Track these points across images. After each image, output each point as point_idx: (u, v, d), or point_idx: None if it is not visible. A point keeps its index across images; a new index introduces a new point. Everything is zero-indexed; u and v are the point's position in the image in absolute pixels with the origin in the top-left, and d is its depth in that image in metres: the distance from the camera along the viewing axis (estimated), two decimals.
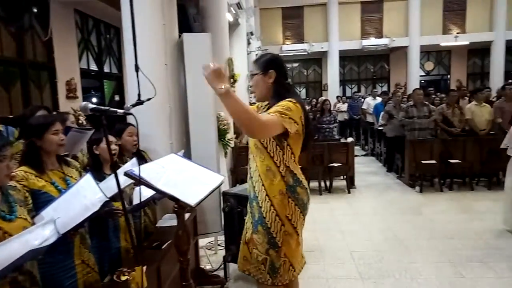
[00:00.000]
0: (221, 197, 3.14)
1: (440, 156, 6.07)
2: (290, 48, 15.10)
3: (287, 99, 1.86)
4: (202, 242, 3.86)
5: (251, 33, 11.14)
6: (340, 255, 3.73)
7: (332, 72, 15.19)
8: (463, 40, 14.38)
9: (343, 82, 16.82)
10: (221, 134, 3.81)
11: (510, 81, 12.45)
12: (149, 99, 2.30)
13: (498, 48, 14.27)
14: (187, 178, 1.86)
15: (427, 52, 16.19)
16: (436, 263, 3.43)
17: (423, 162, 6.03)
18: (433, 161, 6.02)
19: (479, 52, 15.88)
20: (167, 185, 1.68)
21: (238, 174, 5.76)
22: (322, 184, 6.36)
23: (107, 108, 1.45)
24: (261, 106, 2.09)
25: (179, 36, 3.40)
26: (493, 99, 7.55)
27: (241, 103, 1.66)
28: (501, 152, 4.30)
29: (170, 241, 2.22)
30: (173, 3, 3.35)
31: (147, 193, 2.00)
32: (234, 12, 7.63)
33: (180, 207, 1.76)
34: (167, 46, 3.07)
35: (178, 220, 1.82)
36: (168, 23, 3.12)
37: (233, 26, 8.61)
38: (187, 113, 3.29)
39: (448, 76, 16.63)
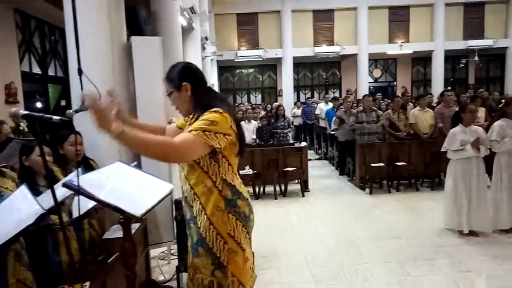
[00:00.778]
0: (173, 206, 3.05)
1: (387, 159, 6.37)
2: (245, 54, 15.21)
3: (213, 110, 1.71)
4: (155, 252, 3.73)
5: (206, 38, 11.08)
6: (295, 259, 3.77)
7: (287, 78, 15.49)
8: (407, 49, 15.27)
9: (297, 88, 17.20)
10: None
11: (449, 88, 13.44)
12: None
13: (438, 57, 15.32)
14: (133, 188, 1.77)
15: (375, 60, 17.00)
16: (385, 262, 3.57)
17: (372, 165, 6.29)
18: (382, 164, 6.30)
19: (422, 61, 16.96)
20: (110, 195, 1.58)
21: None
22: (277, 188, 6.42)
23: (41, 114, 1.34)
24: (189, 119, 1.89)
25: (128, 39, 3.28)
26: (435, 105, 8.06)
27: (141, 137, 1.50)
28: (442, 155, 4.58)
29: (116, 254, 2.11)
30: (121, 4, 3.23)
31: (88, 203, 1.89)
32: (187, 16, 7.53)
33: (125, 218, 1.67)
34: (114, 49, 2.94)
35: (123, 232, 1.72)
36: (116, 25, 3.00)
37: (187, 30, 8.51)
38: (137, 119, 3.17)
39: (395, 83, 17.56)
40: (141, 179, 1.90)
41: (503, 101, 6.39)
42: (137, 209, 1.61)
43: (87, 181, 1.55)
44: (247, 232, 1.84)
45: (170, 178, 3.24)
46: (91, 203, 1.87)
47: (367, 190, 6.31)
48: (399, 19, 15.45)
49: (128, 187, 1.76)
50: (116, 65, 2.97)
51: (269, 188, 6.43)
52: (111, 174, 1.74)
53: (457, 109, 4.91)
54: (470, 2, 15.14)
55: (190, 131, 1.62)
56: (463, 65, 16.92)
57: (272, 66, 17.12)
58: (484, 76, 17.45)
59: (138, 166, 2.72)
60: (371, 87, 16.48)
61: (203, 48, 10.66)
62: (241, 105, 12.98)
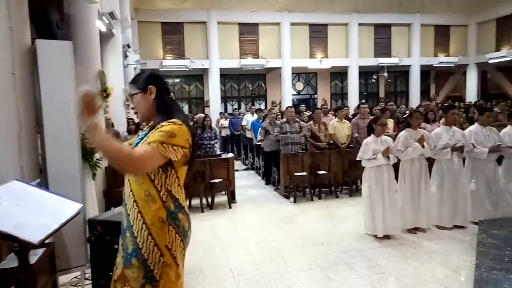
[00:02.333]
0: (87, 226, 2.78)
1: (310, 168, 6.63)
2: (171, 63, 14.88)
3: (171, 121, 1.73)
4: (66, 278, 3.38)
5: (128, 46, 10.59)
6: (221, 273, 3.69)
7: (214, 89, 15.48)
8: (326, 64, 16.30)
9: (224, 99, 17.27)
10: (88, 153, 3.41)
11: (363, 100, 14.57)
12: None
13: (353, 72, 16.59)
14: (31, 210, 1.56)
15: (297, 74, 17.82)
16: (308, 270, 3.67)
17: (295, 174, 6.50)
18: (304, 173, 6.54)
19: (339, 75, 18.21)
20: (1, 220, 1.37)
21: (112, 197, 5.29)
22: (204, 201, 6.29)
23: None
24: (144, 126, 1.94)
25: (33, 42, 2.96)
26: (351, 116, 8.64)
27: (111, 141, 1.57)
28: (358, 163, 4.89)
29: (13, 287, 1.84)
30: (23, 4, 2.91)
31: None
32: (107, 21, 7.13)
33: (20, 246, 1.46)
34: (14, 53, 2.63)
35: (19, 262, 1.50)
36: (17, 27, 2.69)
37: (107, 37, 8.06)
38: (43, 130, 2.86)
39: (316, 96, 18.56)
40: (42, 200, 1.69)
41: (407, 112, 7.06)
42: (34, 234, 1.41)
43: None
44: (184, 247, 1.82)
45: (83, 197, 2.96)
46: None
47: (292, 198, 6.49)
48: (318, 36, 16.43)
49: (25, 209, 1.54)
50: (17, 70, 2.66)
51: (196, 201, 6.28)
52: (4, 196, 1.51)
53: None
54: (379, 23, 16.69)
55: (149, 143, 1.65)
56: (374, 80, 18.55)
57: (199, 77, 16.99)
58: (392, 90, 19.30)
59: (44, 185, 2.43)
60: (295, 99, 17.19)
61: (125, 56, 10.18)
62: None
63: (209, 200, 6.35)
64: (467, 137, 4.75)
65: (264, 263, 3.88)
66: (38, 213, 1.57)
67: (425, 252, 4.00)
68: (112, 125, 7.15)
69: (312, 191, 6.65)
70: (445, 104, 7.09)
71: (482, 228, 4.29)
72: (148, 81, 1.86)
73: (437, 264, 3.67)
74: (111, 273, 1.94)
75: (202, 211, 6.04)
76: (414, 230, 4.57)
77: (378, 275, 3.48)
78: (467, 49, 17.78)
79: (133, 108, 1.91)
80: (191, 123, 10.13)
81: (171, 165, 1.74)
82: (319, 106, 13.60)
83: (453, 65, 17.75)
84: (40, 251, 2.27)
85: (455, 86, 19.51)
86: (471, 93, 18.04)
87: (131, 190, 1.77)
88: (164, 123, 1.73)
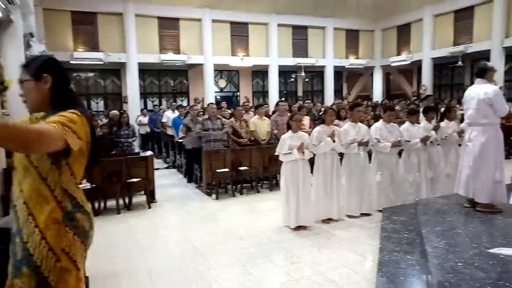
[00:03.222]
0: None
1: (231, 164, 6.69)
2: (83, 56, 13.77)
3: (70, 110, 1.58)
4: None
5: (31, 35, 9.56)
6: (139, 277, 3.54)
7: (132, 85, 14.71)
8: (248, 63, 16.54)
9: (144, 95, 16.55)
10: None
11: (283, 99, 15.11)
12: None
13: (273, 71, 17.09)
14: None
15: (220, 71, 17.80)
16: (228, 265, 3.70)
17: (218, 170, 6.50)
18: (226, 169, 6.58)
19: (260, 74, 18.63)
20: None
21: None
22: (121, 202, 5.97)
23: None
24: (36, 118, 1.71)
25: None
26: (271, 114, 8.90)
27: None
28: (277, 158, 5.05)
29: None
30: None
31: None
32: (3, 6, 6.34)
33: None
34: None
35: None
36: None
37: (4, 23, 7.18)
38: None
39: (238, 93, 18.76)
40: None
41: (323, 109, 7.51)
42: None
43: None
44: (85, 249, 1.70)
45: None
46: None
47: (214, 195, 6.48)
48: (239, 34, 16.58)
49: None
50: None
51: (111, 202, 5.93)
52: None
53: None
54: (296, 25, 17.43)
55: (48, 122, 1.48)
56: (293, 79, 19.35)
57: (115, 71, 16.01)
58: (310, 89, 20.34)
59: None
60: (218, 97, 17.16)
61: (28, 46, 9.18)
62: None
63: (127, 201, 6.04)
64: (372, 133, 5.20)
65: (183, 262, 3.81)
66: None
67: (337, 240, 4.29)
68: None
69: (234, 187, 6.72)
70: (352, 103, 7.68)
71: (385, 215, 4.75)
72: (43, 68, 1.68)
73: (347, 250, 3.96)
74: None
75: (119, 213, 5.74)
76: (327, 220, 4.87)
77: (295, 265, 3.64)
78: (374, 52, 19.45)
79: (21, 96, 1.71)
80: (105, 120, 9.53)
81: (66, 159, 1.59)
82: (241, 104, 13.82)
83: (362, 67, 19.30)
84: None
85: (364, 86, 21.26)
86: (378, 93, 19.81)
87: (20, 191, 1.60)
88: (62, 112, 1.57)
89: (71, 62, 13.44)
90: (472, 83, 4.24)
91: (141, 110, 13.54)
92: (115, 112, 7.91)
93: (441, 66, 17.15)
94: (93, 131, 1.70)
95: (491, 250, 3.06)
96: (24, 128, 1.38)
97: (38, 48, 10.42)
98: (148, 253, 4.12)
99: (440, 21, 16.13)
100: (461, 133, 5.18)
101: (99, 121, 9.67)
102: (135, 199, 6.24)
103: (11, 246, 1.64)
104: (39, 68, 1.67)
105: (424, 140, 5.25)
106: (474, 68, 15.07)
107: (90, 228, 1.73)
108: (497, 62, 13.05)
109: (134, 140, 7.52)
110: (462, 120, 5.70)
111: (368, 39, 19.45)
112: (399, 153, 5.53)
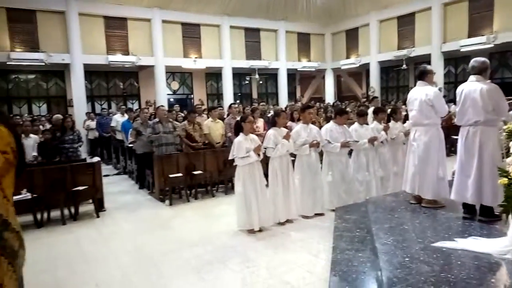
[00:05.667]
0: None
1: (185, 169, 6.53)
2: (22, 56, 12.81)
3: None
4: None
5: None
6: None
7: (78, 87, 13.91)
8: (201, 65, 16.33)
9: (91, 98, 15.77)
10: None
11: (237, 101, 15.11)
12: None
13: (227, 73, 17.01)
14: None
15: (172, 73, 17.41)
16: (182, 273, 3.58)
17: (171, 176, 6.31)
18: (180, 174, 6.41)
19: (214, 76, 18.47)
20: None
21: None
22: (66, 212, 5.60)
23: None
24: None
25: None
26: (225, 116, 8.83)
27: None
28: (232, 162, 4.99)
29: None
30: None
31: None
32: None
33: None
34: None
35: None
36: None
37: None
38: None
39: (192, 95, 18.46)
40: None
41: (272, 112, 7.57)
42: None
43: None
44: (14, 271, 1.54)
45: None
46: None
47: (167, 201, 6.29)
48: (191, 36, 16.31)
49: None
50: None
51: (56, 213, 5.54)
52: None
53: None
54: (249, 27, 17.51)
55: None
56: (247, 82, 19.40)
57: (59, 73, 15.09)
58: (264, 92, 20.51)
59: None
60: (171, 99, 16.76)
61: None
62: (17, 117, 10.86)
63: (73, 210, 5.68)
64: (322, 134, 5.30)
65: (135, 273, 3.64)
66: None
67: (291, 241, 4.32)
68: None
69: (188, 192, 6.56)
70: (303, 105, 7.83)
71: (337, 214, 4.85)
72: None
73: (301, 251, 3.99)
74: None
75: (64, 223, 5.39)
76: (284, 222, 4.89)
77: (250, 269, 3.60)
78: (325, 55, 20.04)
79: None
80: (48, 125, 8.93)
81: None
82: (195, 106, 13.60)
83: (314, 69, 19.81)
84: None
85: (316, 88, 21.84)
86: (330, 95, 20.44)
87: None
88: None
89: (7, 63, 12.48)
90: (415, 85, 4.46)
91: (88, 113, 12.85)
92: (59, 116, 7.46)
93: (387, 69, 18.07)
94: (18, 140, 1.58)
95: (435, 244, 3.22)
96: None
97: None
98: (96, 265, 3.88)
99: (385, 26, 16.98)
100: (407, 133, 5.45)
101: (41, 126, 9.05)
102: (82, 208, 5.88)
103: None
104: None
105: (371, 140, 5.45)
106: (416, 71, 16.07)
107: (20, 247, 1.59)
108: (437, 65, 13.99)
109: (79, 146, 7.10)
110: (405, 121, 6.01)
111: (319, 42, 20.00)
112: (349, 153, 5.69)
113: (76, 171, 5.76)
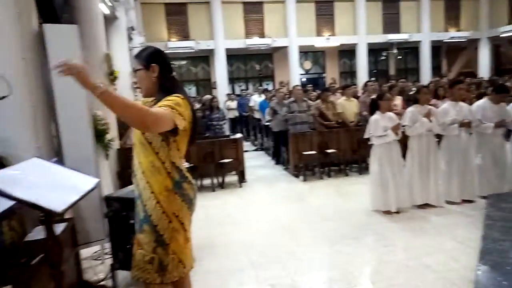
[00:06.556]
0: (103, 202, 2.90)
1: (318, 147, 6.67)
2: (176, 45, 14.81)
3: (175, 95, 1.83)
4: (87, 252, 3.53)
5: (132, 28, 10.57)
6: (232, 247, 3.81)
7: (220, 70, 15.40)
8: (334, 42, 16.04)
9: (231, 80, 17.21)
10: (100, 135, 3.51)
11: (373, 78, 14.41)
12: (2, 98, 1.98)
13: (361, 50, 16.31)
14: (52, 184, 1.65)
15: (305, 53, 17.60)
16: (319, 244, 3.76)
17: (304, 153, 6.55)
18: (313, 152, 6.59)
19: (348, 53, 17.92)
20: (26, 192, 1.46)
21: (126, 177, 5.41)
22: (215, 180, 6.41)
23: None
24: (147, 102, 1.99)
25: (40, 27, 3.01)
26: (359, 95, 8.58)
27: (124, 98, 1.63)
28: (367, 141, 4.90)
29: (41, 256, 1.96)
30: None
31: (5, 203, 1.72)
32: (110, 4, 7.12)
33: (46, 215, 1.55)
34: (24, 38, 2.67)
35: (46, 230, 1.60)
36: (24, 12, 2.73)
37: (111, 19, 8.05)
38: (56, 113, 2.94)
39: (324, 75, 18.37)
40: (62, 175, 1.79)
41: (414, 89, 7.00)
42: (57, 204, 1.50)
43: None
44: (190, 214, 1.98)
45: (97, 174, 3.06)
46: (8, 203, 1.71)
47: (301, 177, 6.56)
48: (325, 13, 16.12)
49: (46, 183, 1.64)
50: (27, 55, 2.71)
51: (207, 181, 6.39)
52: (26, 171, 1.61)
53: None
54: None
55: (160, 107, 1.73)
56: (384, 57, 18.24)
57: (205, 58, 16.90)
58: (402, 67, 18.97)
59: (60, 162, 2.53)
60: (303, 79, 17.04)
61: (130, 39, 10.17)
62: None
63: (220, 180, 6.46)
64: (473, 112, 4.72)
65: (274, 238, 3.99)
66: (58, 186, 1.67)
67: (433, 226, 4.06)
68: None
69: (321, 169, 6.71)
70: (452, 80, 6.98)
71: (490, 202, 4.31)
72: (151, 58, 1.94)
73: (444, 237, 3.72)
74: (129, 246, 2.06)
75: (213, 190, 6.17)
76: (424, 206, 4.61)
77: (387, 248, 3.56)
78: (479, 22, 17.30)
79: (135, 83, 2.04)
80: (198, 105, 10.18)
81: (174, 136, 1.83)
82: (328, 85, 13.55)
83: (464, 39, 17.34)
84: (62, 225, 2.40)
85: (467, 62, 19.10)
86: (484, 69, 17.63)
87: (139, 162, 1.89)
88: (167, 97, 1.82)
89: (165, 51, 14.52)
90: None
91: (228, 94, 14.08)
92: (208, 96, 8.41)
93: None
94: (194, 112, 1.94)
95: None
96: (146, 111, 1.65)
97: (138, 40, 11.47)
98: (240, 228, 4.39)
99: None
100: None
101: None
102: (227, 179, 6.62)
103: (136, 207, 1.96)
104: (148, 58, 1.94)
105: None
106: None
107: (194, 197, 2.00)
108: None
109: (224, 123, 7.94)
110: None
111: (472, 8, 17.31)
112: (508, 135, 4.93)
113: (222, 146, 6.48)
